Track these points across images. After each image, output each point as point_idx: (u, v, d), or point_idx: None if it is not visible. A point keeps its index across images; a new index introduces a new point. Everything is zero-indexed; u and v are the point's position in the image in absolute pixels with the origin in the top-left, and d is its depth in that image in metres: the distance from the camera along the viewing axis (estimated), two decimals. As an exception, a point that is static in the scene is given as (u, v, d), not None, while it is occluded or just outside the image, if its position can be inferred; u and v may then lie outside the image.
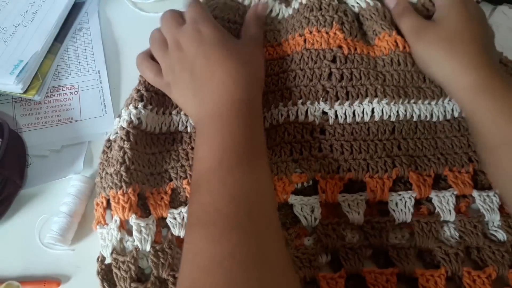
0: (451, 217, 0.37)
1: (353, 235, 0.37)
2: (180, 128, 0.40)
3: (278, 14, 0.45)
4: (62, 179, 0.41)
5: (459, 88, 0.38)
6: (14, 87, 0.42)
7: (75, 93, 0.46)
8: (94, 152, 0.43)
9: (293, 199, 0.37)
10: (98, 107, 0.45)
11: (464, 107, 0.39)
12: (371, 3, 0.43)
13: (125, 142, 0.36)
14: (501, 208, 0.38)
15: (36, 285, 0.36)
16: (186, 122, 0.40)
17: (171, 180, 0.38)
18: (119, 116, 0.39)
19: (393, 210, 0.37)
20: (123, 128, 0.37)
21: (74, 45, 0.49)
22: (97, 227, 0.36)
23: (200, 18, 0.38)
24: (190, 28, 0.37)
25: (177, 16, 0.39)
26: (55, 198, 0.39)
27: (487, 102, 0.36)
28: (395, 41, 0.41)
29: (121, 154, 0.36)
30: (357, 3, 0.44)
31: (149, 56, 0.40)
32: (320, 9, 0.42)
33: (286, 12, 0.45)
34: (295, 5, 0.44)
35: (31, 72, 0.44)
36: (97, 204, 0.37)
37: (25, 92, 0.43)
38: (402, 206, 0.37)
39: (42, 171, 0.41)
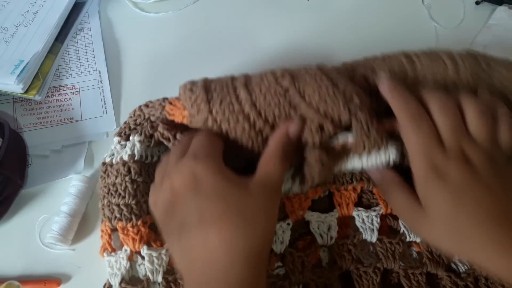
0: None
1: (366, 256, 0.36)
2: None
3: None
4: (62, 179, 0.41)
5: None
6: (15, 87, 0.42)
7: (76, 93, 0.46)
8: (94, 152, 0.43)
9: (309, 215, 0.36)
10: (99, 107, 0.45)
11: None
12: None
13: (137, 175, 0.35)
14: None
15: (36, 285, 0.36)
16: None
17: None
18: (120, 135, 0.37)
19: (405, 226, 0.36)
20: (135, 161, 0.35)
21: (75, 45, 0.49)
22: (104, 254, 0.35)
23: (203, 155, 0.30)
24: (187, 169, 0.29)
25: (185, 145, 0.32)
26: (56, 198, 0.40)
27: None
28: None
29: (134, 186, 0.35)
30: None
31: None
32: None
33: None
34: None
35: (31, 72, 0.44)
36: (102, 231, 0.36)
37: (25, 92, 0.43)
38: None
39: (42, 171, 0.41)
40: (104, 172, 0.37)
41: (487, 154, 0.31)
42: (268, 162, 0.30)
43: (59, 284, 0.36)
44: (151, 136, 0.36)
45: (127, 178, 0.35)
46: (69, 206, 0.38)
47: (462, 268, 0.36)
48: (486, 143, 0.31)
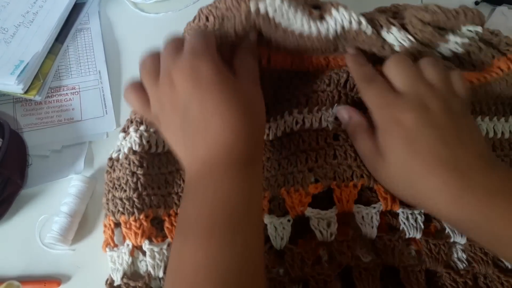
0: (462, 239, 0.36)
1: (366, 253, 0.36)
2: None
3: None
4: (62, 179, 0.41)
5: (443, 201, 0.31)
6: (15, 87, 0.42)
7: (76, 93, 0.46)
8: (94, 152, 0.43)
9: (310, 212, 0.36)
10: (99, 107, 0.45)
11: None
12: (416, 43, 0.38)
13: (137, 167, 0.36)
14: None
15: (36, 285, 0.36)
16: None
17: None
18: (124, 130, 0.38)
19: (404, 224, 0.36)
20: (135, 153, 0.36)
21: (75, 45, 0.49)
22: (107, 249, 0.36)
23: (201, 51, 0.31)
24: (187, 63, 0.31)
25: (178, 44, 0.33)
26: (56, 198, 0.40)
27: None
28: None
29: (134, 179, 0.35)
30: (399, 41, 0.38)
31: (139, 87, 0.34)
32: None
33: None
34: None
35: (32, 73, 0.44)
36: (105, 226, 0.37)
37: (26, 92, 0.43)
38: (412, 221, 0.36)
39: (42, 171, 0.41)
40: (110, 167, 0.38)
41: (444, 100, 0.33)
42: (246, 59, 0.34)
43: (59, 284, 0.36)
44: None
45: (127, 172, 0.36)
46: (69, 206, 0.38)
47: (461, 266, 0.36)
48: (442, 90, 0.33)
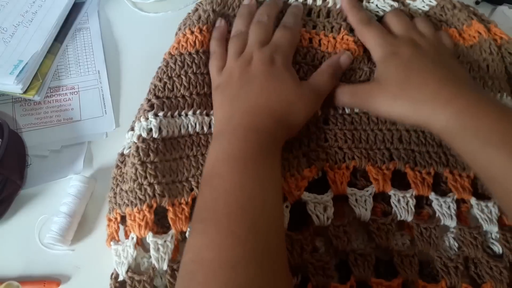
0: (452, 222, 0.37)
1: (360, 237, 0.37)
2: (198, 129, 0.39)
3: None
4: (62, 179, 0.41)
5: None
6: (14, 87, 0.42)
7: (75, 93, 0.46)
8: (94, 152, 0.43)
9: (306, 196, 0.37)
10: (98, 107, 0.45)
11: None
12: (396, 5, 0.44)
13: (135, 158, 0.36)
14: (500, 220, 0.37)
15: (36, 285, 0.36)
16: (208, 122, 0.40)
17: (192, 189, 0.37)
18: (132, 129, 0.39)
19: (395, 206, 0.37)
20: (134, 143, 0.37)
21: (74, 45, 0.49)
22: (111, 243, 0.36)
23: (283, 46, 0.39)
24: (268, 51, 0.38)
25: (267, 28, 0.41)
26: (55, 198, 0.39)
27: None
28: None
29: (133, 170, 0.36)
30: (380, 8, 0.44)
31: (224, 52, 0.41)
32: (328, 16, 0.44)
33: None
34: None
35: (31, 72, 0.44)
36: (110, 220, 0.37)
37: (25, 92, 0.43)
38: (404, 204, 0.37)
39: (42, 171, 0.41)
40: (122, 162, 0.39)
41: (433, 45, 0.40)
42: (320, 75, 0.40)
43: (58, 285, 0.36)
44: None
45: (135, 160, 0.36)
46: (68, 207, 0.38)
47: (450, 253, 0.36)
48: (432, 38, 0.41)
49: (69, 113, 0.44)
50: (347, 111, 0.41)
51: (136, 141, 0.37)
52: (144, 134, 0.37)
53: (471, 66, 0.42)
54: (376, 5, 0.44)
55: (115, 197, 0.37)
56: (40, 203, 0.40)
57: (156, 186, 0.36)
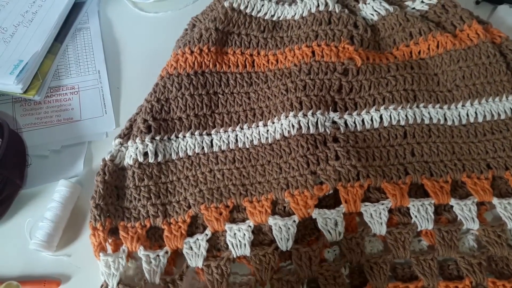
0: (475, 225, 0.37)
1: (373, 246, 0.37)
2: (198, 150, 0.39)
3: (273, 15, 0.44)
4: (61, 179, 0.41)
5: None
6: (14, 87, 0.42)
7: (75, 93, 0.46)
8: (94, 152, 0.43)
9: (316, 213, 0.36)
10: (98, 107, 0.45)
11: None
12: (391, 9, 0.44)
13: (131, 182, 0.37)
14: None
15: (36, 285, 0.36)
16: (209, 141, 0.40)
17: (189, 207, 0.37)
18: (120, 136, 0.39)
19: (416, 216, 0.37)
20: (130, 167, 0.38)
21: (74, 45, 0.49)
22: (100, 254, 0.35)
23: None
24: None
25: None
26: (55, 198, 0.39)
27: None
28: (410, 52, 0.44)
29: (129, 192, 0.37)
30: (376, 11, 0.44)
31: None
32: (329, 22, 0.43)
33: (286, 11, 0.44)
34: (304, 12, 0.44)
35: (31, 72, 0.44)
36: (95, 229, 0.36)
37: (25, 92, 0.43)
38: (423, 212, 0.37)
39: (42, 171, 0.41)
40: (109, 170, 0.38)
41: None
42: None
43: (58, 285, 0.36)
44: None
45: (131, 184, 0.38)
46: (52, 213, 0.37)
47: (470, 253, 0.37)
48: None
49: (69, 113, 0.44)
50: (359, 128, 0.40)
51: (132, 165, 0.38)
52: (141, 159, 0.38)
53: (471, 71, 0.42)
54: (372, 7, 0.44)
55: (106, 206, 0.37)
56: (40, 203, 0.40)
57: (149, 207, 0.37)
